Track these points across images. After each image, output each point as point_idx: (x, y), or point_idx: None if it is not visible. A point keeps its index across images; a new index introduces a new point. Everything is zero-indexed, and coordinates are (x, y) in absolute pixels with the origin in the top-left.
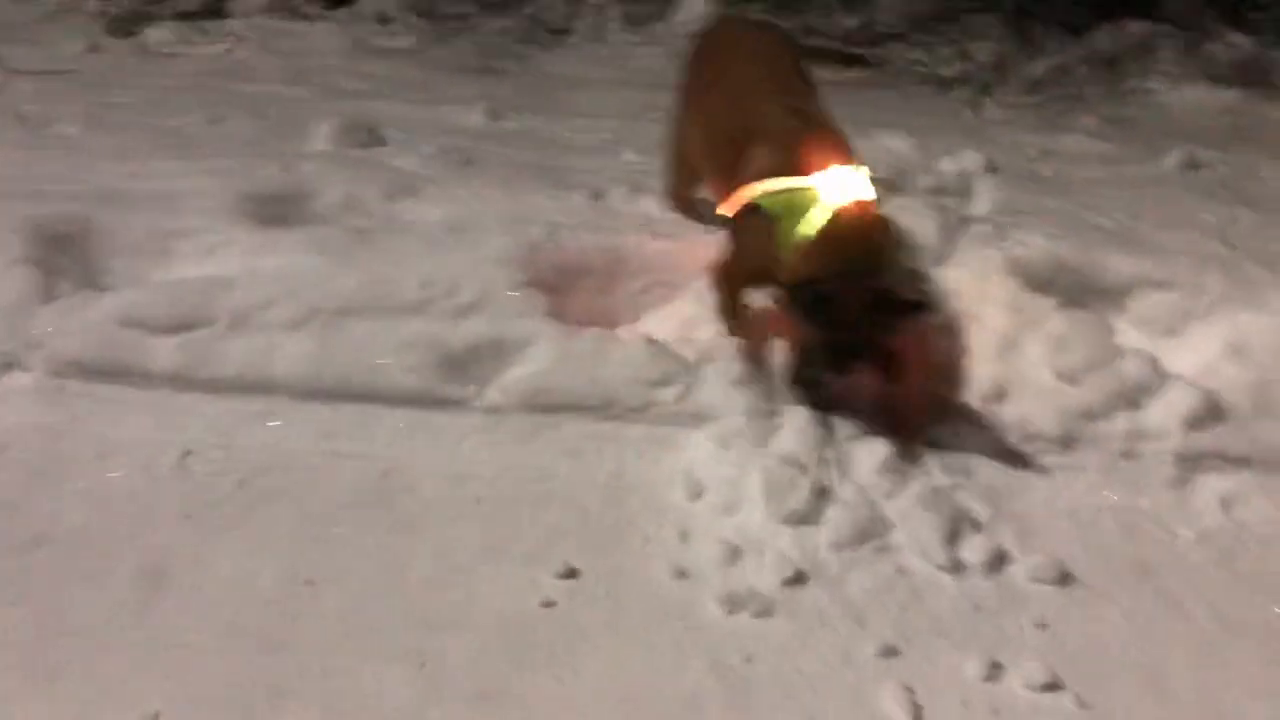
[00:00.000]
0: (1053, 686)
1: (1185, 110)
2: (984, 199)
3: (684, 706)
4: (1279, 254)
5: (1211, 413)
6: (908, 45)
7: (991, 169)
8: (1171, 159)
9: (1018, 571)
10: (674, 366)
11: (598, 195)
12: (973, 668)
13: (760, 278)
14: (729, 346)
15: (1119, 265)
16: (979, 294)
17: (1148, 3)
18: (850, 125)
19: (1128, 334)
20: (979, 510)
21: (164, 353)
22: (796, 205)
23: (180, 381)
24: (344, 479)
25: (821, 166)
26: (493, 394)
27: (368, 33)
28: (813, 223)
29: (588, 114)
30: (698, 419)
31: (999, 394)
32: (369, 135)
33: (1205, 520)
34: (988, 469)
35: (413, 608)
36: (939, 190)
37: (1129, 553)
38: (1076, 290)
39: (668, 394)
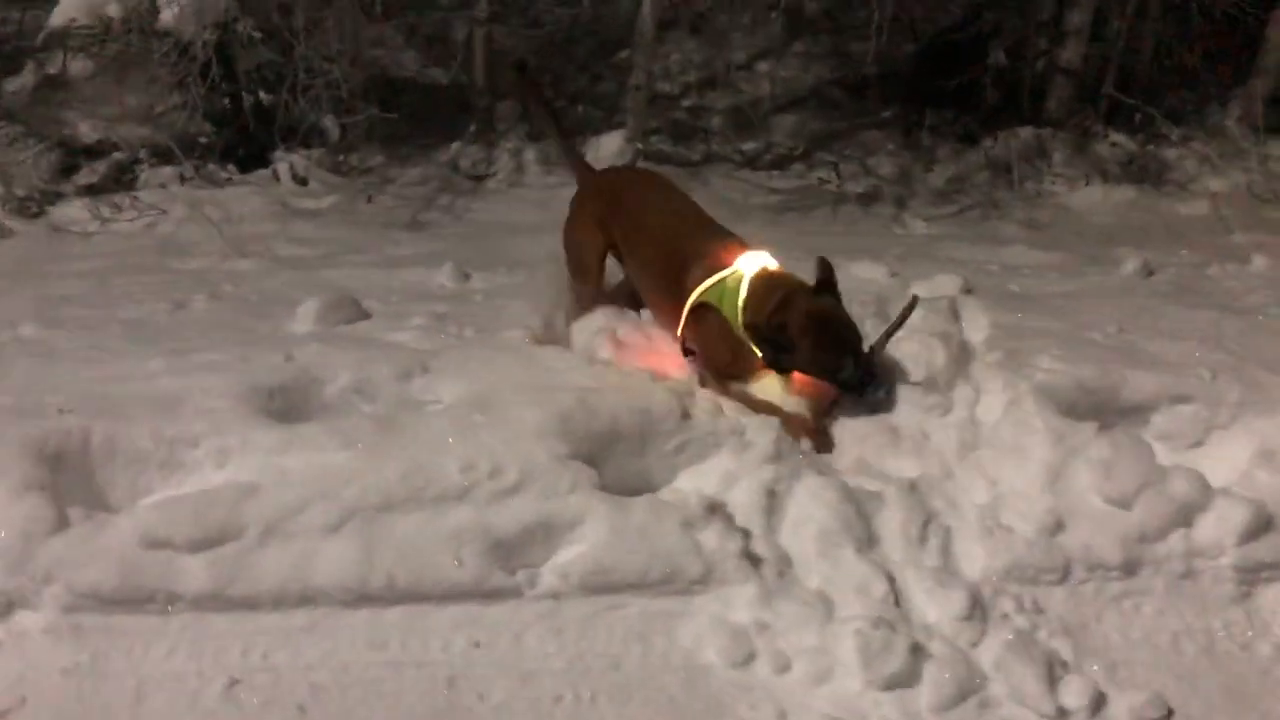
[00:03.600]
0: None
1: (1091, 210)
2: (977, 323)
3: None
4: (1277, 357)
5: (1261, 522)
6: (809, 165)
7: (967, 290)
8: (1128, 266)
9: (1119, 712)
10: (729, 526)
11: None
12: None
13: (738, 357)
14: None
15: (1138, 382)
16: (1019, 424)
17: (1034, 109)
18: (810, 252)
19: (1157, 451)
20: (1063, 649)
21: (193, 573)
22: (728, 287)
23: (214, 602)
24: (409, 692)
25: (736, 258)
26: (549, 579)
27: (287, 194)
28: (741, 291)
29: (537, 263)
30: (764, 580)
31: (1057, 525)
32: (354, 310)
33: (1275, 632)
34: (1060, 604)
35: None
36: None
37: (1217, 677)
38: (1101, 411)
39: (729, 558)
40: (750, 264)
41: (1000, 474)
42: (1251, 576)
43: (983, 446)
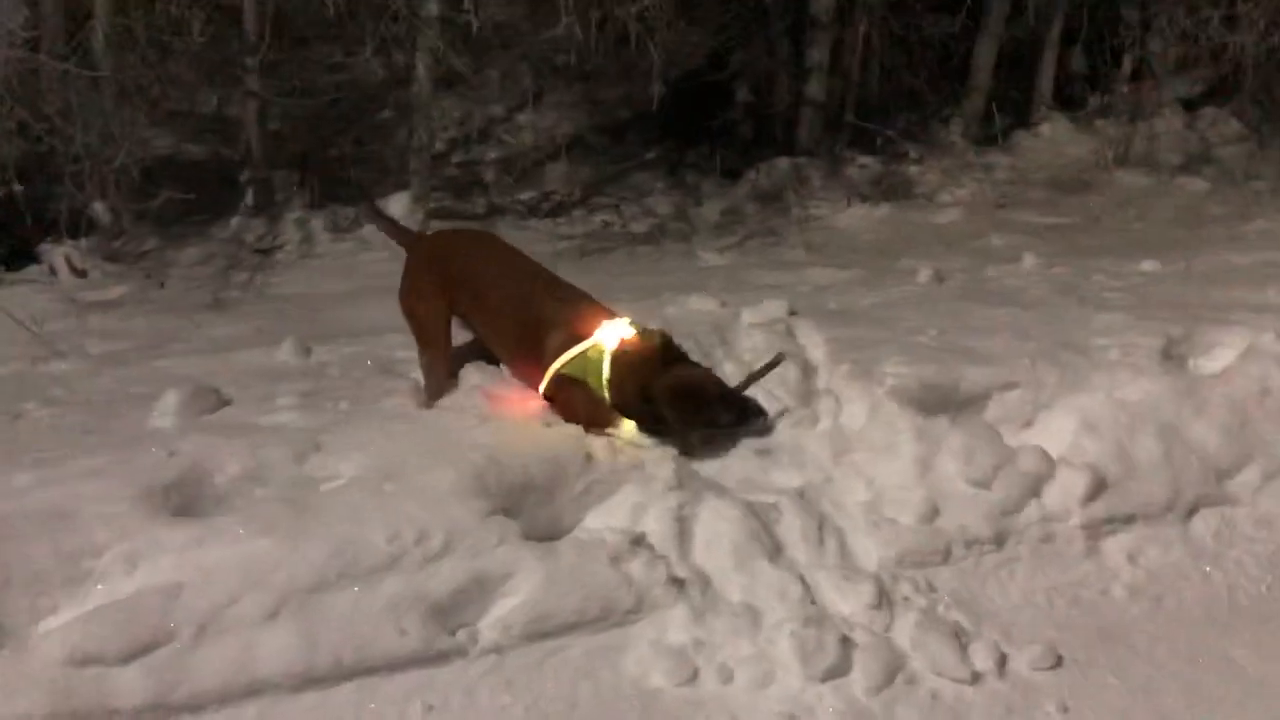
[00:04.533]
0: None
1: (857, 229)
2: (812, 340)
3: None
4: (1079, 342)
5: (1097, 485)
6: (589, 209)
7: (793, 312)
8: (922, 276)
9: (1020, 666)
10: (652, 555)
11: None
12: None
13: (604, 417)
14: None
15: (972, 376)
16: (885, 425)
17: (787, 141)
18: (635, 291)
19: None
20: (962, 620)
21: (129, 685)
22: (590, 360)
23: (156, 712)
24: None
25: (595, 328)
26: (490, 633)
27: (71, 290)
28: (605, 366)
29: (376, 330)
30: (691, 600)
31: (933, 511)
32: (215, 398)
33: (1123, 576)
34: (949, 581)
35: None
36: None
37: (1089, 623)
38: (944, 406)
39: (656, 585)
40: (610, 337)
41: (875, 472)
42: (1096, 532)
43: (854, 450)
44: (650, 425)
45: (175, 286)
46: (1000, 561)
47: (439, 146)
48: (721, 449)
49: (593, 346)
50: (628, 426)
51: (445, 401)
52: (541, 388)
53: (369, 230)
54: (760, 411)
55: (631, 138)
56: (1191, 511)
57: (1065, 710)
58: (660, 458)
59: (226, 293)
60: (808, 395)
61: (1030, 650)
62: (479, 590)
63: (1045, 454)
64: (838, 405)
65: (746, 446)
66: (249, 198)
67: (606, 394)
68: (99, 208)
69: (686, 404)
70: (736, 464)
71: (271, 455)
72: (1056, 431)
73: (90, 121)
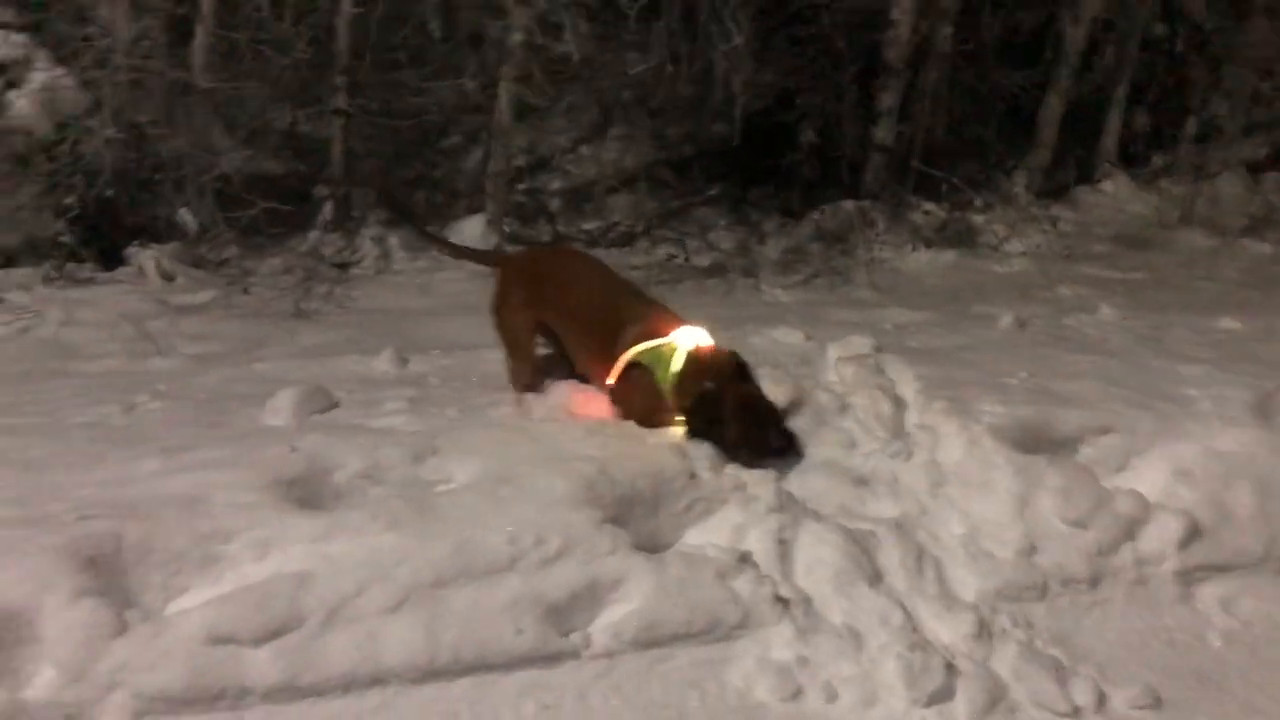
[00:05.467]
0: None
1: (922, 273)
2: (903, 376)
3: None
4: (1169, 392)
5: (1192, 531)
6: (653, 241)
7: (878, 348)
8: (1004, 321)
9: (1119, 704)
10: (757, 573)
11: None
12: None
13: (656, 413)
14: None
15: (1066, 419)
16: (982, 462)
17: (852, 183)
18: (711, 322)
19: None
20: (1060, 655)
21: (261, 665)
22: (663, 355)
23: (285, 693)
24: None
25: (671, 330)
26: (602, 638)
27: (160, 292)
28: (675, 363)
29: (467, 345)
30: (794, 619)
31: (1031, 548)
32: (326, 399)
33: (1217, 623)
34: (1044, 616)
35: None
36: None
37: (1185, 666)
38: (1037, 446)
39: (762, 602)
40: (687, 339)
41: (971, 507)
42: (1190, 578)
43: (950, 484)
44: (700, 430)
45: (258, 295)
46: (1095, 601)
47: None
48: (820, 474)
49: (668, 343)
50: (676, 428)
51: (544, 412)
52: (611, 376)
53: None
54: (801, 453)
55: (694, 174)
56: None
57: None
58: (761, 479)
59: (309, 303)
60: (899, 429)
61: (1129, 689)
62: (591, 595)
63: (1141, 498)
64: (934, 440)
65: (844, 475)
66: (327, 213)
67: (670, 390)
68: (186, 214)
69: (749, 419)
70: (833, 491)
71: (389, 456)
72: (1150, 477)
73: (184, 130)
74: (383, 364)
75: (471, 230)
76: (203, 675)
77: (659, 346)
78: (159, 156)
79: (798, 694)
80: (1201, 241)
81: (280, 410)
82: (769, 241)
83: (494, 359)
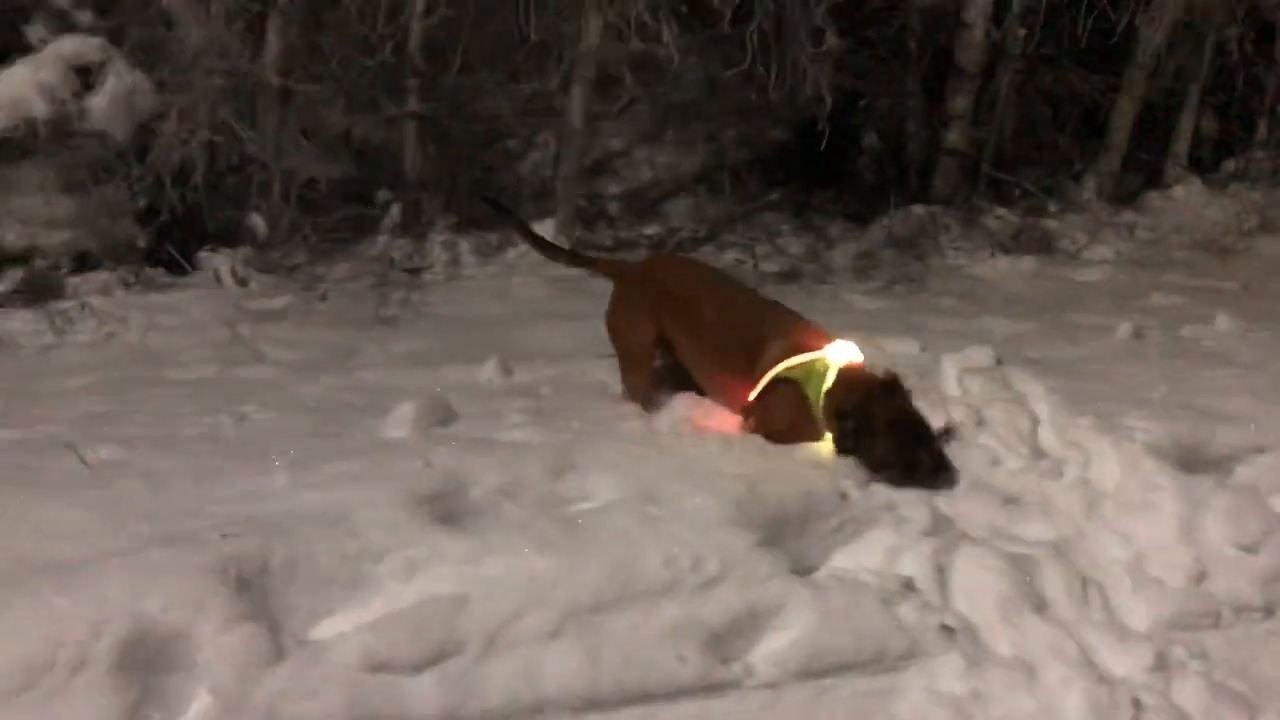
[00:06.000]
0: None
1: (1003, 280)
2: (1033, 391)
3: None
4: None
5: None
6: (718, 246)
7: (999, 361)
8: (1122, 332)
9: None
10: (921, 599)
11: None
12: None
13: (801, 430)
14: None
15: (1223, 436)
16: (1143, 482)
17: (921, 188)
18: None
19: None
20: (1243, 688)
21: (422, 694)
22: (815, 371)
23: None
24: None
25: (821, 344)
26: (765, 668)
27: (237, 297)
28: (828, 379)
29: (568, 354)
30: (963, 649)
31: (1201, 574)
32: (447, 411)
33: None
34: (1220, 647)
35: None
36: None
37: None
38: (1195, 464)
39: (928, 630)
40: (839, 354)
41: (1132, 530)
42: None
43: (1106, 505)
44: (848, 447)
45: (334, 301)
46: (1272, 630)
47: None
48: (964, 494)
49: (820, 358)
50: (824, 444)
51: (668, 426)
52: (754, 392)
53: (515, 254)
54: (954, 481)
55: (754, 178)
56: None
57: None
58: (913, 500)
59: (387, 310)
60: (1037, 446)
61: None
62: (751, 622)
63: None
64: (1085, 458)
65: (991, 495)
66: (395, 216)
67: (822, 400)
68: (257, 219)
69: (902, 438)
70: (982, 511)
71: (526, 471)
72: None
73: (264, 133)
74: (488, 373)
75: (543, 233)
76: (362, 705)
77: (811, 362)
78: (234, 160)
79: None
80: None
81: (402, 422)
82: (837, 247)
83: (599, 368)
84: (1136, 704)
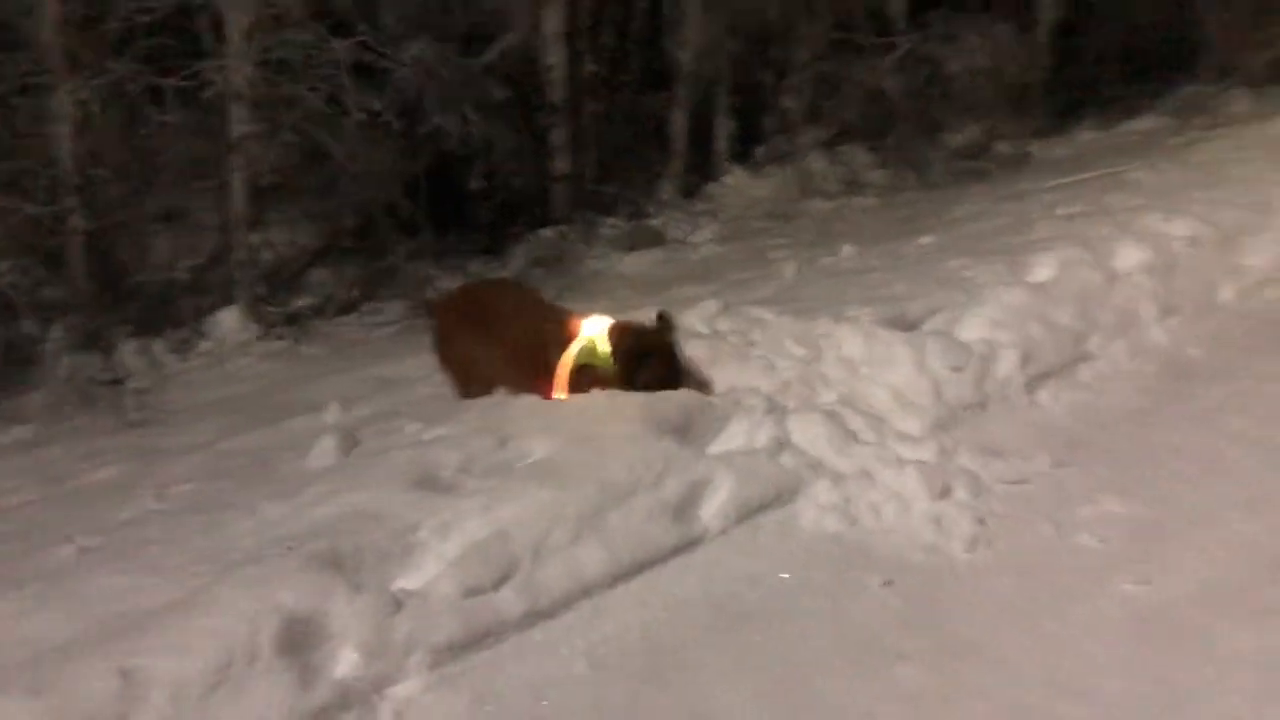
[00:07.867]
0: None
1: (646, 270)
2: (764, 316)
3: None
4: (950, 277)
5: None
6: (378, 303)
7: (725, 306)
8: (789, 270)
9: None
10: (790, 451)
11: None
12: None
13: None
14: None
15: (908, 310)
16: (882, 345)
17: (542, 214)
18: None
19: None
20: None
21: (507, 602)
22: (592, 350)
23: (528, 619)
24: None
25: (579, 325)
26: (714, 522)
27: None
28: (602, 345)
29: (373, 394)
30: (824, 475)
31: (936, 390)
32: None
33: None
34: (966, 425)
35: None
36: None
37: None
38: (903, 327)
39: (802, 469)
40: (592, 327)
41: (886, 376)
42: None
43: (863, 367)
44: (632, 382)
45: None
46: (985, 410)
47: None
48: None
49: (587, 339)
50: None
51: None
52: (561, 390)
53: (208, 345)
54: (704, 383)
55: (380, 238)
56: None
57: None
58: (750, 392)
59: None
60: (796, 347)
61: None
62: (694, 493)
63: (984, 341)
64: (837, 343)
65: (787, 381)
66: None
67: (612, 365)
68: None
69: (662, 359)
70: (791, 391)
71: (477, 446)
72: (973, 326)
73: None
74: (333, 414)
75: (229, 321)
76: (471, 621)
77: (582, 346)
78: None
79: (854, 521)
80: (823, 204)
81: (326, 453)
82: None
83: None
84: (936, 470)
